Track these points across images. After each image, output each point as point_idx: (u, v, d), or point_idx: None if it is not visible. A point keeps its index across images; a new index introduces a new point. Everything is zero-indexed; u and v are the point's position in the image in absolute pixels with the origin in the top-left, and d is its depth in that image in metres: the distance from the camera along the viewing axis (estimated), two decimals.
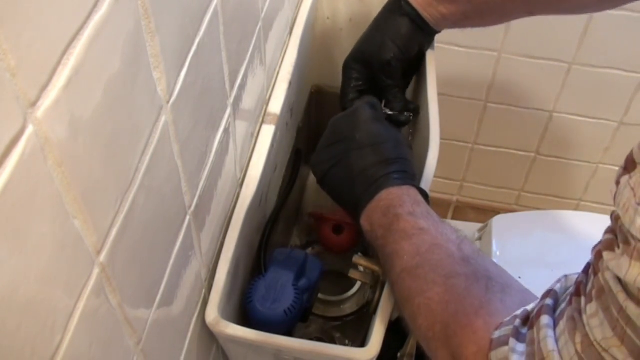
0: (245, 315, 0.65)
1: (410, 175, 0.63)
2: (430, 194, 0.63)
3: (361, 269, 0.71)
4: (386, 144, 0.64)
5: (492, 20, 0.74)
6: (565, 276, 0.44)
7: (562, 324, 0.39)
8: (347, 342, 0.87)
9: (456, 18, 0.72)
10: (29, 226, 0.29)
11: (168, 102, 0.43)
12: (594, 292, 0.37)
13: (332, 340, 0.87)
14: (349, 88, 0.76)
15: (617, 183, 0.35)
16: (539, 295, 0.45)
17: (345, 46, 0.79)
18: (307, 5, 0.82)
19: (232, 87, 0.58)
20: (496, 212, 1.20)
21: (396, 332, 0.91)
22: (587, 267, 0.39)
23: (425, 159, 0.67)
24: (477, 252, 0.54)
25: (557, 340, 0.39)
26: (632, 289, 0.33)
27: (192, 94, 0.47)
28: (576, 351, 0.37)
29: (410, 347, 0.70)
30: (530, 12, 0.70)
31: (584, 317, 0.37)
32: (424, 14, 0.72)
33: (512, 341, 0.43)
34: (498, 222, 1.09)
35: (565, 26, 1.06)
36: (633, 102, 1.16)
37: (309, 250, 0.92)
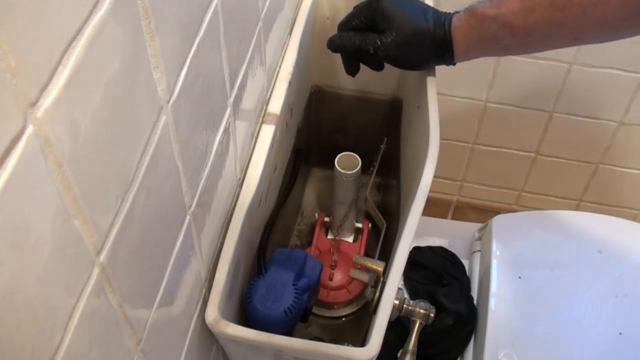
0: (245, 315, 0.65)
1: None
2: (430, 194, 0.63)
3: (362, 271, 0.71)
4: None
5: (534, 50, 0.70)
6: None
7: None
8: (346, 342, 0.87)
9: (497, 54, 0.71)
10: (29, 226, 0.29)
11: (168, 102, 0.43)
12: None
13: (332, 340, 0.87)
14: (351, 22, 0.74)
15: None
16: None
17: None
18: (307, 5, 0.82)
19: (232, 87, 0.58)
20: (496, 212, 1.20)
21: (396, 332, 0.91)
22: None
23: (425, 159, 0.67)
24: None
25: None
26: None
27: (192, 94, 0.47)
28: None
29: (410, 346, 0.70)
30: (576, 39, 0.66)
31: None
32: (459, 55, 0.70)
33: None
34: (498, 222, 1.09)
35: None
36: (633, 102, 1.16)
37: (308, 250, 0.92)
